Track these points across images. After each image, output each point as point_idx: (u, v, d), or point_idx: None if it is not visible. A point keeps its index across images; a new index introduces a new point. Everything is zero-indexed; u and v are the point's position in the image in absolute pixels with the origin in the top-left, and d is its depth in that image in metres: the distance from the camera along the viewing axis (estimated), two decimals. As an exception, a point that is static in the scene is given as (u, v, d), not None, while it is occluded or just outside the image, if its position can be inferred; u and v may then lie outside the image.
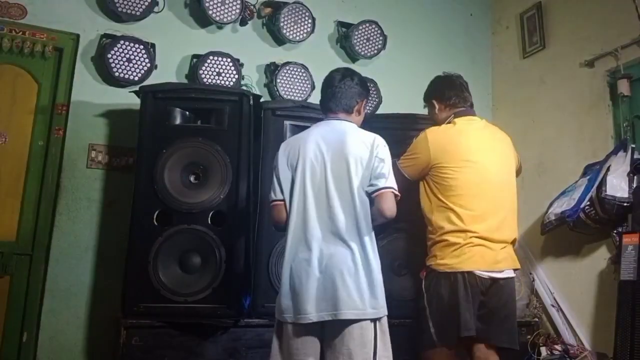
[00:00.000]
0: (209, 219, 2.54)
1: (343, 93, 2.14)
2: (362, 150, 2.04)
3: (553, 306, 3.17)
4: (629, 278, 2.56)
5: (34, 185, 2.88)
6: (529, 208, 3.38)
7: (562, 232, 3.05)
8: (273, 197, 2.09)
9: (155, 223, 2.51)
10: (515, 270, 2.39)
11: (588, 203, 2.82)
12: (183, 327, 2.45)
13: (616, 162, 2.84)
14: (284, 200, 2.06)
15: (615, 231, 2.84)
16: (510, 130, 3.61)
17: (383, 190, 2.00)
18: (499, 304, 2.29)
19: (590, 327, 2.98)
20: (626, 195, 2.73)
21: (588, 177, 2.94)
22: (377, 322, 1.95)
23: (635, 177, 2.75)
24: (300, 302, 1.91)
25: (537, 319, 3.14)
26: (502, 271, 2.30)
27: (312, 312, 1.90)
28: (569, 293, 3.16)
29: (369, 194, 2.02)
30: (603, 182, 2.79)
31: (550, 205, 3.08)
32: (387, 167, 2.04)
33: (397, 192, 2.03)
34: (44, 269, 2.81)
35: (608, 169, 2.82)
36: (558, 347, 2.99)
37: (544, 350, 2.99)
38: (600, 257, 2.99)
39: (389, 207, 1.99)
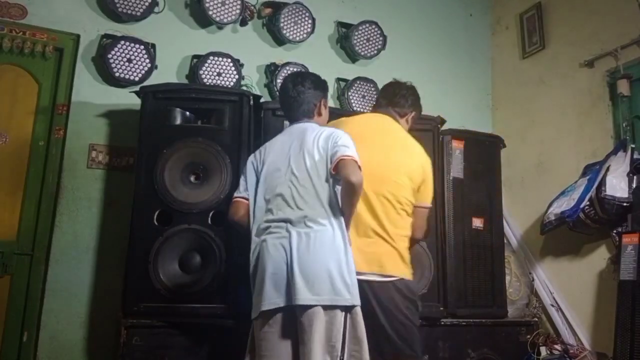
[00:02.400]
0: (209, 219, 2.54)
1: (298, 101, 2.19)
2: (320, 142, 2.06)
3: (553, 306, 3.18)
4: (629, 278, 2.57)
5: (35, 185, 2.88)
6: (529, 208, 3.39)
7: (562, 232, 3.05)
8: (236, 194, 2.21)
9: (155, 223, 2.52)
10: None
11: (588, 203, 2.83)
12: (183, 327, 2.45)
13: (616, 162, 2.85)
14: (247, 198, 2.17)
15: (614, 231, 2.84)
16: (510, 130, 3.65)
17: (342, 158, 1.97)
18: None
19: (590, 327, 2.98)
20: (626, 195, 2.73)
21: (588, 177, 2.94)
22: None
23: (634, 177, 2.76)
24: None
25: (536, 319, 3.14)
26: None
27: None
28: (568, 293, 3.16)
29: (332, 173, 2.01)
30: (603, 182, 2.79)
31: (550, 205, 3.09)
32: (345, 145, 2.02)
33: (359, 162, 1.99)
34: (44, 268, 2.81)
35: (608, 169, 2.83)
36: (558, 346, 3.00)
37: (543, 350, 2.99)
38: (600, 257, 2.99)
39: (352, 171, 1.94)
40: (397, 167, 2.23)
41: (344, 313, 1.90)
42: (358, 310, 1.93)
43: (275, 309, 1.92)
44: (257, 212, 2.09)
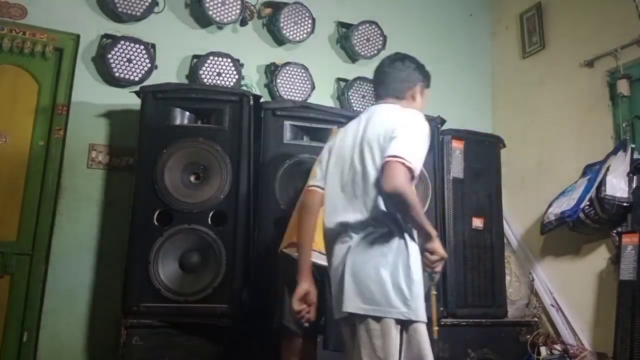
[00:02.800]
0: (209, 219, 2.54)
1: (390, 76, 1.89)
2: (383, 129, 1.73)
3: (553, 306, 3.18)
4: (629, 278, 2.57)
5: (35, 185, 2.88)
6: (529, 208, 3.39)
7: (562, 232, 3.05)
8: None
9: (156, 223, 2.52)
10: None
11: (588, 203, 2.83)
12: (183, 327, 2.45)
13: (616, 162, 2.85)
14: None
15: (614, 231, 2.84)
16: (510, 130, 3.65)
17: (387, 159, 1.65)
18: None
19: (590, 327, 2.98)
20: (626, 195, 2.73)
21: (588, 177, 2.94)
22: None
23: (634, 177, 2.76)
24: None
25: (536, 319, 3.14)
26: None
27: None
28: (568, 293, 3.16)
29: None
30: (603, 182, 2.79)
31: (550, 205, 3.09)
32: (401, 138, 1.67)
33: (409, 162, 1.63)
34: (44, 269, 2.81)
35: (608, 169, 2.83)
36: (558, 346, 3.00)
37: (543, 350, 2.99)
38: (600, 257, 2.99)
39: (389, 176, 1.62)
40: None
41: (399, 327, 1.66)
42: (418, 327, 1.69)
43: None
44: (327, 209, 1.84)
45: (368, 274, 1.67)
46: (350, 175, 1.79)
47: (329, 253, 1.85)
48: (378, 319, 1.65)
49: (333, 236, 1.81)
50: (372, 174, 1.73)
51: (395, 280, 1.66)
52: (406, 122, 1.74)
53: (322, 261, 2.06)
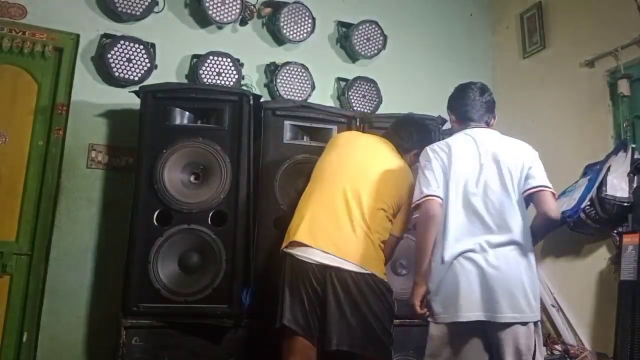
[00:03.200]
0: (209, 219, 2.54)
1: (485, 107, 2.22)
2: (517, 158, 2.08)
3: (553, 306, 3.17)
4: (629, 278, 2.56)
5: (34, 185, 2.88)
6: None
7: (562, 232, 3.04)
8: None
9: (155, 223, 2.51)
10: None
11: (588, 203, 2.82)
12: (183, 327, 2.45)
13: (616, 162, 2.85)
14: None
15: (615, 231, 2.84)
16: (510, 130, 3.63)
17: (542, 189, 2.02)
18: None
19: (590, 327, 2.98)
20: (626, 195, 2.73)
21: (588, 177, 2.94)
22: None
23: (635, 177, 2.76)
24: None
25: (537, 319, 3.13)
26: None
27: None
28: (569, 293, 3.16)
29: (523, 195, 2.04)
30: (603, 182, 2.79)
31: (551, 205, 3.08)
32: (543, 171, 2.07)
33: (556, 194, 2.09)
34: (43, 269, 2.81)
35: (608, 169, 2.83)
36: (558, 347, 2.99)
37: (544, 350, 2.99)
38: (600, 257, 2.99)
39: (553, 207, 2.03)
40: (387, 174, 2.25)
41: (534, 327, 1.95)
42: (539, 324, 1.99)
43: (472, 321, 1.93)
44: (450, 223, 2.01)
45: (515, 287, 1.93)
46: (480, 193, 2.03)
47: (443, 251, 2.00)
48: (524, 324, 1.94)
49: (455, 249, 1.98)
50: (514, 197, 2.03)
51: (533, 290, 1.96)
52: (536, 156, 2.12)
53: (325, 260, 2.06)
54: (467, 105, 2.20)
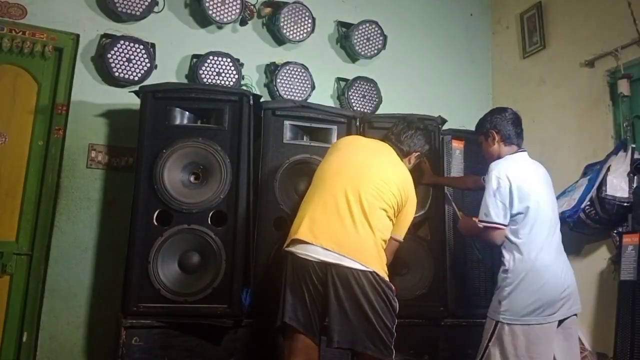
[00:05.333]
0: (209, 219, 2.54)
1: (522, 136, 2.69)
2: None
3: (553, 306, 3.17)
4: (629, 278, 2.56)
5: (34, 185, 2.88)
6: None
7: (562, 232, 3.03)
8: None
9: (155, 223, 2.51)
10: None
11: (588, 203, 2.82)
12: (183, 327, 2.45)
13: (616, 162, 2.85)
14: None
15: (615, 231, 2.84)
16: (510, 130, 3.62)
17: None
18: None
19: (590, 327, 2.98)
20: (626, 195, 2.73)
21: (588, 177, 2.94)
22: None
23: (635, 177, 2.76)
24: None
25: (537, 319, 3.13)
26: None
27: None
28: (569, 293, 3.16)
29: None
30: (603, 182, 2.79)
31: (550, 205, 3.08)
32: None
33: None
34: (43, 269, 2.81)
35: (608, 169, 2.83)
36: (558, 347, 2.99)
37: (544, 350, 2.98)
38: (600, 257, 2.99)
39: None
40: (387, 175, 2.28)
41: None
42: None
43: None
44: (523, 247, 2.38)
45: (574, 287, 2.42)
46: (550, 215, 2.45)
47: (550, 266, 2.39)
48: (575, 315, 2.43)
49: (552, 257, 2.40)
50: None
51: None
52: None
53: (326, 257, 2.07)
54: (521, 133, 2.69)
